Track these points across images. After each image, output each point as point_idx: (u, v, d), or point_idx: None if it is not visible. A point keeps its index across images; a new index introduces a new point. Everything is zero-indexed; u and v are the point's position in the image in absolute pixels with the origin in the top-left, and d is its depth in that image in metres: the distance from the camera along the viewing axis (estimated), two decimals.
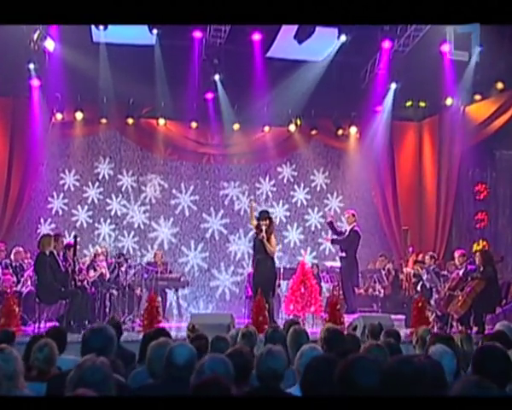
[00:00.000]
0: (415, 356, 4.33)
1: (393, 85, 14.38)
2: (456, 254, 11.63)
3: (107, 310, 11.02)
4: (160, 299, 13.41)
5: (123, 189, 15.32)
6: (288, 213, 15.97)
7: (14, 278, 10.99)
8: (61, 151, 14.89)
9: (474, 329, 10.39)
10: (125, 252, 14.46)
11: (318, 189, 16.13)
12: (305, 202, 16.07)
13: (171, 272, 13.90)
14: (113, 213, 15.23)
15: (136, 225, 15.32)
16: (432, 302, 11.16)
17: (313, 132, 15.49)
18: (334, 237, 12.32)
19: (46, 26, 12.20)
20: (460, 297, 10.44)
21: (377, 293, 13.28)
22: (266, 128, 15.31)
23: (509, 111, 13.15)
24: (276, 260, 11.30)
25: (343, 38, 13.10)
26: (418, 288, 11.63)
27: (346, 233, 11.95)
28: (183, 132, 15.28)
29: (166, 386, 3.92)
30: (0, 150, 13.86)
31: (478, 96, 13.99)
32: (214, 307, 15.29)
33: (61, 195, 14.91)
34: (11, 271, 11.18)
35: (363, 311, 11.86)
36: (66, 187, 14.97)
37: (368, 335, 6.76)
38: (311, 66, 14.19)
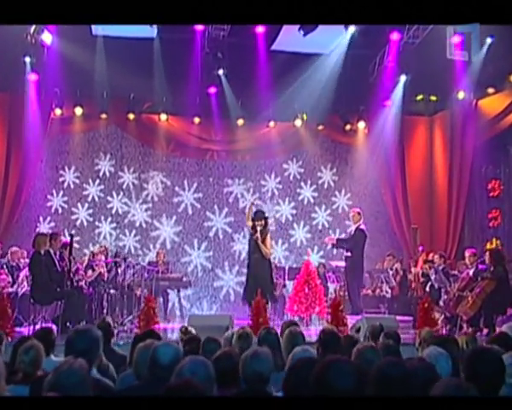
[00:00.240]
0: (408, 359, 4.35)
1: (403, 79, 14.32)
2: (467, 254, 11.57)
3: (105, 311, 11.03)
4: (161, 300, 13.58)
5: (124, 186, 15.36)
6: (294, 212, 15.95)
7: (10, 278, 11.04)
8: (61, 147, 14.97)
9: (485, 331, 10.33)
10: (126, 251, 14.54)
11: (326, 186, 16.11)
12: (311, 200, 16.04)
13: (171, 272, 13.90)
14: (114, 211, 15.28)
15: (137, 224, 15.37)
16: (441, 303, 11.11)
17: (320, 128, 15.46)
18: (341, 236, 12.31)
19: None
20: (469, 298, 10.38)
21: (384, 293, 13.25)
22: (271, 123, 15.29)
23: None
24: (272, 260, 11.27)
25: (351, 29, 13.07)
26: (427, 288, 11.57)
27: (352, 232, 11.92)
28: (185, 128, 15.31)
29: (150, 387, 3.93)
30: None
31: (491, 90, 13.92)
32: (218, 308, 15.30)
33: (61, 192, 14.98)
34: (7, 271, 11.22)
35: (369, 312, 11.84)
36: (65, 184, 15.03)
37: (368, 336, 6.76)
38: (318, 59, 14.15)
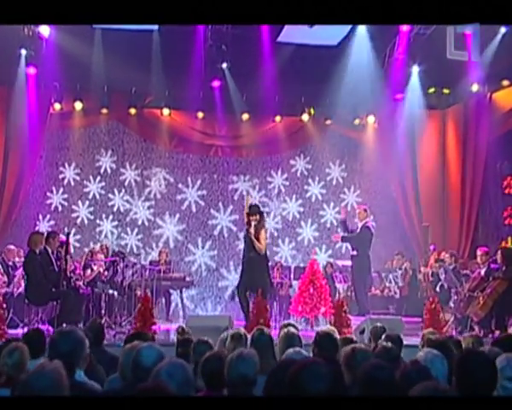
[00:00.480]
0: (401, 362, 4.33)
1: (414, 71, 14.22)
2: (479, 252, 11.50)
3: (103, 311, 11.05)
4: (163, 300, 13.60)
5: (126, 183, 15.39)
6: (301, 209, 15.93)
7: (5, 278, 11.06)
8: (60, 143, 15.00)
9: (497, 333, 10.25)
10: (128, 250, 14.56)
11: (334, 183, 16.08)
12: (319, 197, 16.02)
13: (173, 271, 13.90)
14: (115, 209, 15.32)
15: (139, 222, 15.40)
16: (451, 304, 11.05)
17: (328, 122, 15.41)
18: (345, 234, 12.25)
19: None
20: (480, 299, 10.33)
21: (393, 294, 13.19)
22: (277, 118, 15.25)
23: None
24: (266, 255, 11.13)
25: None
26: (437, 289, 11.51)
27: (358, 230, 11.86)
28: (188, 123, 15.31)
29: (132, 389, 3.92)
30: None
31: (506, 82, 13.82)
32: (223, 309, 15.28)
33: (61, 190, 15.02)
34: (2, 270, 11.23)
35: (377, 313, 11.77)
36: (65, 181, 15.07)
37: (370, 338, 6.75)
38: (325, 51, 14.07)
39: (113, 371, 5.56)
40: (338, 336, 6.56)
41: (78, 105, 14.26)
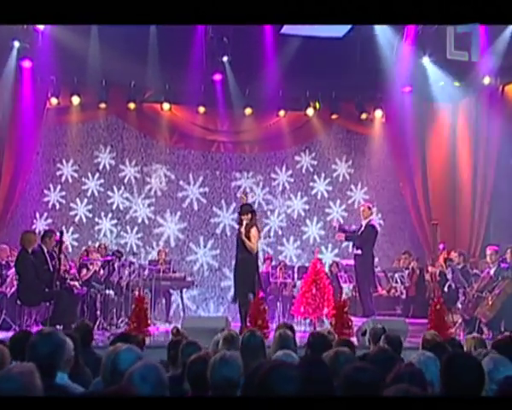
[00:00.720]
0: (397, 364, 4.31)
1: (423, 63, 14.13)
2: (488, 251, 11.44)
3: (98, 312, 11.05)
4: (164, 301, 13.60)
5: (125, 180, 15.40)
6: (307, 207, 15.91)
7: None
8: (58, 139, 15.02)
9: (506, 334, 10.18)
10: (127, 249, 14.56)
11: (340, 179, 16.04)
12: (325, 194, 15.99)
13: (174, 271, 13.89)
14: (114, 206, 15.33)
15: (139, 220, 15.40)
16: (458, 305, 10.99)
17: (334, 117, 15.36)
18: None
19: None
20: (488, 299, 10.27)
21: (400, 294, 13.14)
22: (281, 113, 15.23)
23: None
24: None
25: None
26: (445, 289, 11.45)
27: (362, 228, 11.80)
28: (189, 118, 15.29)
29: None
30: None
31: None
32: (226, 310, 15.24)
33: (58, 187, 15.03)
34: None
35: (382, 314, 11.74)
36: (63, 178, 15.08)
37: (369, 339, 6.74)
38: (331, 43, 14.02)
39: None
40: (336, 338, 6.57)
41: (76, 100, 14.25)
